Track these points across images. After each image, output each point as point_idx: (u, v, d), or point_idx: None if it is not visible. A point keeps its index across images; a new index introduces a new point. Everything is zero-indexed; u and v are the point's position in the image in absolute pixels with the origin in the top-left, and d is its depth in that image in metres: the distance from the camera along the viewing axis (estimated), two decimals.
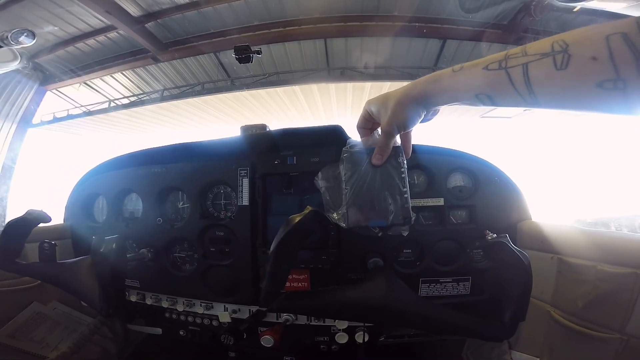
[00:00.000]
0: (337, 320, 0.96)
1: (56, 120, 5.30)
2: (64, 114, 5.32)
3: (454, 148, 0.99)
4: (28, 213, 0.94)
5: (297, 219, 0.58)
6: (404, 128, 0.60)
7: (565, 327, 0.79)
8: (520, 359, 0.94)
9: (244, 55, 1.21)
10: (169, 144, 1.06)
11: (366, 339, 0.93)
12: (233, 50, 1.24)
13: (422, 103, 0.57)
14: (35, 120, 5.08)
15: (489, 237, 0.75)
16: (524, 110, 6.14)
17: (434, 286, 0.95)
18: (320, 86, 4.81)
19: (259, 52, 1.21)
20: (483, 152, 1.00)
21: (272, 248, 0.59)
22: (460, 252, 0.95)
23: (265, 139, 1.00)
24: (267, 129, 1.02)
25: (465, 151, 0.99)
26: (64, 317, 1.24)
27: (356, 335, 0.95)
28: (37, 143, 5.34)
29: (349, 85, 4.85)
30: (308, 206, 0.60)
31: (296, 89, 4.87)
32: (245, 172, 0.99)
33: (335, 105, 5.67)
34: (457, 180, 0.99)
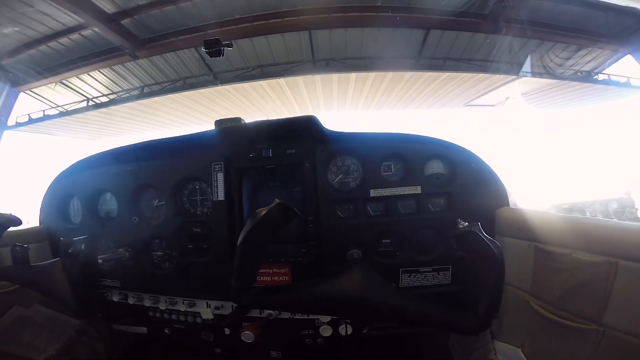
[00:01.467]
0: None
1: (32, 121, 5.10)
2: (40, 114, 5.11)
3: (430, 135, 0.98)
4: None
5: (263, 212, 0.56)
6: None
7: (544, 317, 0.78)
8: (502, 348, 0.94)
9: (214, 49, 1.18)
10: (141, 141, 1.03)
11: (349, 332, 0.93)
12: (202, 44, 1.21)
13: None
14: (10, 122, 4.87)
15: (461, 226, 0.73)
16: (506, 98, 6.25)
17: (415, 276, 0.95)
18: (306, 78, 4.76)
19: (229, 45, 1.18)
20: (465, 141, 0.99)
21: (238, 242, 0.58)
22: (439, 240, 0.95)
23: (238, 133, 0.98)
24: (242, 122, 0.99)
25: (442, 138, 0.99)
26: (48, 319, 1.22)
27: (340, 328, 0.94)
28: (13, 145, 5.14)
29: (335, 77, 4.81)
30: (275, 199, 0.58)
31: (281, 81, 4.80)
32: (219, 167, 0.97)
33: (321, 97, 5.64)
34: (434, 167, 0.99)
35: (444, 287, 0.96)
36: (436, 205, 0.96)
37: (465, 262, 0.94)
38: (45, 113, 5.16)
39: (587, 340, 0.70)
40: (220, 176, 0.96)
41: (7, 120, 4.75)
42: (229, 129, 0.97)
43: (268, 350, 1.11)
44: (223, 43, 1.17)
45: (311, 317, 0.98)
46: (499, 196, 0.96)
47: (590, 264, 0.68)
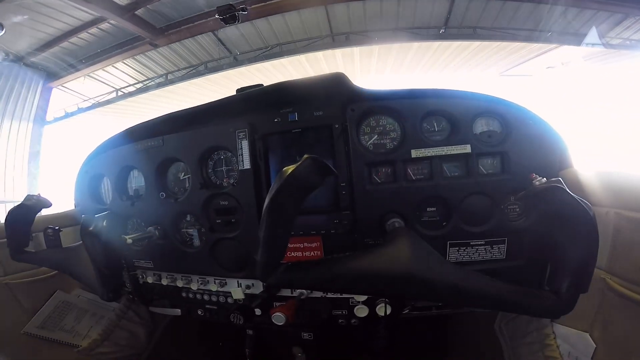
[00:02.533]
0: None
1: (67, 115, 5.39)
2: (75, 108, 5.38)
3: (478, 91, 0.84)
4: (26, 199, 0.90)
5: (291, 170, 0.47)
6: None
7: (626, 298, 0.65)
8: (564, 333, 0.81)
9: (228, 14, 1.09)
10: (163, 114, 0.98)
11: (388, 312, 0.83)
12: (216, 12, 1.12)
13: None
14: (48, 117, 5.18)
15: (538, 183, 0.57)
16: (547, 68, 5.70)
17: (464, 250, 0.83)
18: (326, 53, 4.60)
19: (244, 9, 1.09)
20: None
21: (264, 210, 0.49)
22: (494, 209, 0.81)
23: (262, 96, 0.90)
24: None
25: (491, 94, 0.84)
26: (89, 304, 1.25)
27: (377, 308, 0.85)
28: (58, 137, 5.48)
29: (356, 50, 4.60)
30: (305, 154, 0.48)
31: (302, 58, 4.68)
32: (243, 134, 0.90)
33: (343, 71, 5.43)
34: (484, 124, 0.84)
35: (498, 262, 0.83)
36: (489, 166, 0.83)
37: (525, 234, 0.81)
38: (79, 106, 5.42)
39: None
40: (245, 144, 0.89)
41: (45, 116, 5.06)
42: (251, 92, 0.89)
43: (299, 332, 1.07)
44: (237, 7, 1.08)
45: (345, 296, 0.91)
46: (562, 156, 0.81)
47: None
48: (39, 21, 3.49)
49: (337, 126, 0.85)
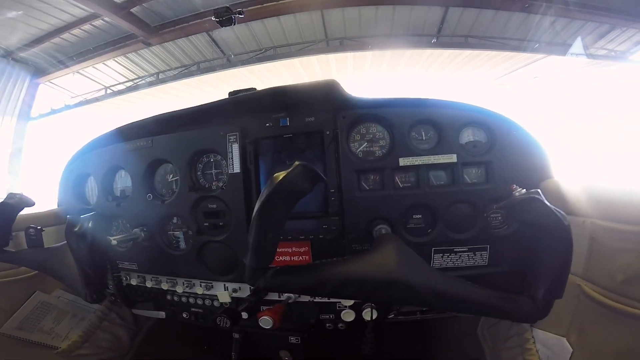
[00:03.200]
0: None
1: (53, 112, 5.26)
2: (61, 104, 5.26)
3: (465, 101, 0.87)
4: (8, 197, 0.88)
5: (282, 176, 0.48)
6: None
7: (600, 304, 0.68)
8: (543, 337, 0.84)
9: (224, 17, 1.10)
10: (153, 115, 0.98)
11: (374, 317, 0.84)
12: (213, 14, 1.13)
13: None
14: (33, 113, 5.05)
15: (517, 193, 0.60)
16: (534, 78, 5.87)
17: (448, 256, 0.86)
18: (320, 58, 4.63)
19: (240, 12, 1.09)
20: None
21: (253, 214, 0.49)
22: (477, 216, 0.84)
23: (254, 101, 0.90)
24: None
25: (477, 105, 0.87)
26: (70, 305, 1.21)
27: (364, 313, 0.87)
28: (41, 134, 5.34)
29: (350, 55, 4.65)
30: (296, 161, 0.49)
31: (295, 62, 4.69)
32: (234, 138, 0.90)
33: (336, 77, 5.47)
34: (470, 134, 0.87)
35: (480, 268, 0.86)
36: (473, 176, 0.86)
37: (506, 241, 0.84)
38: (66, 103, 5.30)
39: None
40: (236, 147, 0.89)
41: (30, 112, 4.92)
42: (243, 97, 0.89)
43: (286, 335, 1.06)
44: (234, 11, 1.08)
45: (332, 300, 0.92)
46: (544, 167, 0.84)
47: None
48: (32, 16, 3.41)
49: (328, 133, 0.86)
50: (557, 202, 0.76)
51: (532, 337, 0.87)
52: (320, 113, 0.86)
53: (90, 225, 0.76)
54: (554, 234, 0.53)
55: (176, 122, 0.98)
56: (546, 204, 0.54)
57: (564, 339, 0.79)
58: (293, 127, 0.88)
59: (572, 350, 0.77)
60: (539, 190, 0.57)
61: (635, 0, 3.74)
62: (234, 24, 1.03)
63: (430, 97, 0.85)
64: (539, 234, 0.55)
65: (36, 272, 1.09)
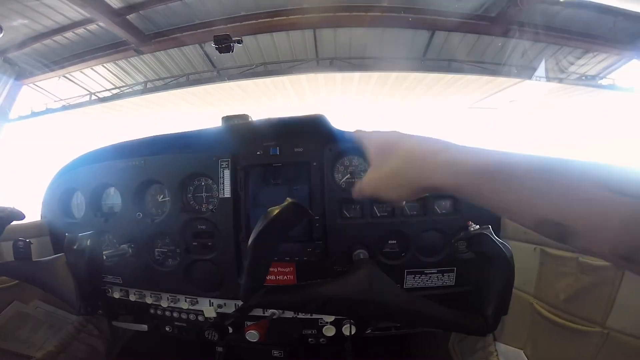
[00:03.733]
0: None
1: (34, 114, 5.09)
2: (43, 108, 5.11)
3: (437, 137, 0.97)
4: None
5: (276, 212, 0.55)
6: (383, 201, 0.57)
7: (548, 320, 0.79)
8: (504, 350, 0.95)
9: (224, 44, 1.17)
10: (147, 136, 1.02)
11: (353, 332, 0.92)
12: (212, 40, 1.20)
13: (441, 191, 0.48)
14: (12, 115, 4.88)
15: (472, 229, 0.72)
16: (510, 102, 6.24)
17: (419, 277, 0.95)
18: (309, 77, 4.76)
19: (239, 42, 1.16)
20: (470, 143, 0.98)
21: (250, 242, 0.57)
22: (445, 242, 0.94)
23: (246, 129, 0.97)
24: (249, 119, 0.99)
25: (451, 140, 0.98)
26: (47, 316, 1.20)
27: (343, 328, 0.94)
28: (16, 136, 5.14)
29: (338, 76, 4.80)
30: (288, 198, 0.57)
31: (284, 79, 4.80)
32: (226, 164, 0.96)
33: (324, 96, 5.63)
34: None
35: (448, 288, 0.95)
36: (442, 207, 0.96)
37: (470, 264, 0.94)
38: (48, 107, 5.16)
39: (590, 342, 0.71)
40: (227, 173, 0.95)
41: (9, 113, 4.75)
42: (237, 125, 0.96)
43: (270, 349, 1.10)
44: (234, 39, 1.16)
45: (314, 316, 0.98)
46: None
47: (597, 268, 0.69)
48: (26, 15, 3.35)
49: (315, 164, 0.94)
50: (516, 232, 0.89)
51: (496, 350, 0.98)
52: (308, 144, 0.94)
53: (89, 243, 0.80)
54: (499, 262, 0.63)
55: (169, 145, 1.02)
56: (493, 239, 0.65)
57: (522, 352, 0.91)
58: (282, 157, 0.95)
59: None
60: (489, 226, 0.69)
61: (607, 25, 4.03)
62: (232, 52, 1.08)
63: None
64: (489, 262, 0.66)
65: (15, 282, 1.09)
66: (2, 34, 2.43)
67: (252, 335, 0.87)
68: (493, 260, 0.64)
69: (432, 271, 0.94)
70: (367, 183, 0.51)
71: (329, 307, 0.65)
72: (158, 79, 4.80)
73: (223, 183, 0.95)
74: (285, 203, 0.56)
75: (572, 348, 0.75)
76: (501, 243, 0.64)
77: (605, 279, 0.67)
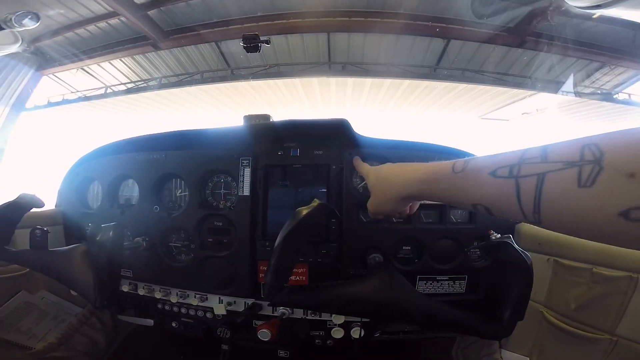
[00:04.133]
0: (333, 315, 0.95)
1: (50, 105, 5.20)
2: (59, 98, 5.21)
3: (456, 147, 0.97)
4: (20, 197, 0.90)
5: (305, 212, 0.56)
6: (386, 215, 0.70)
7: (557, 328, 0.80)
8: (510, 358, 0.95)
9: (252, 44, 1.18)
10: (169, 130, 1.03)
11: (362, 335, 0.92)
12: (241, 39, 1.21)
13: (414, 199, 0.65)
14: (29, 104, 4.98)
15: (494, 237, 0.75)
16: (522, 114, 6.17)
17: (431, 284, 0.95)
18: (321, 80, 4.77)
19: (267, 42, 1.18)
20: (482, 152, 0.97)
21: (278, 241, 0.57)
22: (459, 251, 0.95)
23: (269, 130, 0.98)
24: (271, 120, 0.99)
25: (467, 150, 0.97)
26: (52, 306, 1.20)
27: (352, 331, 0.94)
28: (34, 126, 5.25)
29: (350, 81, 4.81)
30: (315, 199, 0.58)
31: (296, 81, 4.82)
32: (247, 162, 0.96)
33: (334, 100, 5.64)
34: None
35: (458, 295, 0.96)
36: (458, 216, 0.97)
37: (481, 273, 0.94)
38: (64, 97, 5.26)
39: (598, 349, 0.72)
40: (247, 171, 0.95)
41: (26, 103, 4.86)
42: (260, 125, 0.96)
43: (276, 349, 1.09)
44: (261, 39, 1.17)
45: (323, 317, 0.98)
46: None
47: (610, 279, 0.70)
48: (56, 7, 3.43)
49: (334, 167, 0.95)
50: (530, 243, 0.90)
51: (501, 357, 0.99)
52: (328, 148, 0.95)
53: (111, 234, 0.80)
54: (519, 271, 0.65)
55: (192, 140, 1.03)
56: (515, 248, 0.66)
57: (527, 359, 0.91)
58: (302, 158, 0.96)
59: None
60: (510, 235, 0.71)
61: (624, 38, 3.95)
62: (259, 51, 1.10)
63: (425, 142, 0.95)
64: (508, 270, 0.67)
65: (24, 271, 1.09)
66: (39, 23, 2.47)
67: (264, 334, 0.88)
68: (513, 268, 0.66)
69: (444, 278, 0.95)
70: (370, 205, 0.70)
71: (351, 308, 0.66)
72: (172, 75, 4.86)
73: (243, 181, 0.96)
74: (315, 204, 0.57)
75: (580, 355, 0.76)
76: (522, 252, 0.65)
77: (618, 288, 0.68)
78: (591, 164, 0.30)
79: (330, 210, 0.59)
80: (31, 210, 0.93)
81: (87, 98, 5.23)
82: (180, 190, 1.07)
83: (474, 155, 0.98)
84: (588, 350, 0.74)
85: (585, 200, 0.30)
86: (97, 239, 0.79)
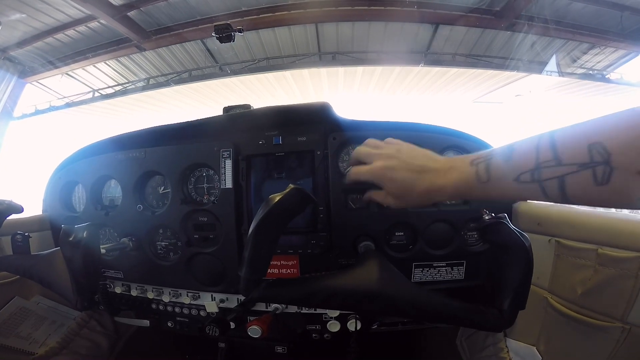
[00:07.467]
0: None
1: (38, 112, 5.12)
2: (46, 105, 5.14)
3: (446, 126, 0.94)
4: None
5: (277, 198, 0.51)
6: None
7: (564, 315, 0.75)
8: (515, 347, 0.91)
9: (224, 34, 1.14)
10: (147, 127, 1.00)
11: (359, 327, 0.88)
12: (213, 29, 1.17)
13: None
14: (16, 113, 4.91)
15: (486, 217, 0.66)
16: (516, 96, 6.16)
17: (428, 271, 0.91)
18: (312, 71, 4.72)
19: (240, 30, 1.14)
20: (476, 133, 0.94)
21: (250, 230, 0.53)
22: (454, 234, 0.90)
23: (248, 118, 0.94)
24: (251, 108, 0.96)
25: (457, 129, 0.94)
26: (49, 311, 1.18)
27: (348, 324, 0.90)
28: (24, 134, 5.18)
29: (341, 70, 4.76)
30: (290, 184, 0.53)
31: (287, 74, 4.76)
32: (227, 154, 0.93)
33: (327, 90, 5.59)
34: None
35: (458, 282, 0.92)
36: None
37: (480, 257, 0.90)
38: (51, 104, 5.18)
39: (609, 338, 0.66)
40: (229, 163, 0.92)
41: (13, 111, 4.78)
42: (238, 114, 0.92)
43: (273, 345, 1.08)
44: (234, 28, 1.13)
45: (318, 311, 0.95)
46: None
47: (618, 260, 0.63)
48: (28, 14, 3.36)
49: (318, 153, 0.90)
50: (529, 223, 0.84)
51: (506, 346, 0.94)
52: (312, 133, 0.90)
53: (85, 235, 0.77)
54: (517, 253, 0.58)
55: (170, 135, 1.00)
56: (510, 228, 0.59)
57: (534, 348, 0.86)
58: (285, 146, 0.92)
59: (541, 358, 0.84)
60: (505, 214, 0.63)
61: (614, 19, 3.95)
62: (233, 41, 1.06)
63: (413, 122, 0.91)
64: (505, 253, 0.61)
65: (15, 277, 1.07)
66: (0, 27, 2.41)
67: (254, 331, 0.84)
68: (510, 251, 0.59)
69: (441, 264, 0.91)
70: (387, 199, 0.66)
71: (334, 301, 0.60)
72: (160, 75, 4.80)
73: (224, 173, 0.92)
74: (288, 189, 0.52)
75: (589, 344, 0.71)
76: (519, 232, 0.59)
77: (628, 271, 0.62)
78: (602, 165, 0.36)
79: (304, 195, 0.53)
80: (19, 217, 0.91)
81: (74, 103, 5.16)
82: (162, 188, 1.04)
83: (460, 133, 0.94)
84: (598, 339, 0.68)
85: (604, 194, 0.37)
86: (70, 240, 0.76)
